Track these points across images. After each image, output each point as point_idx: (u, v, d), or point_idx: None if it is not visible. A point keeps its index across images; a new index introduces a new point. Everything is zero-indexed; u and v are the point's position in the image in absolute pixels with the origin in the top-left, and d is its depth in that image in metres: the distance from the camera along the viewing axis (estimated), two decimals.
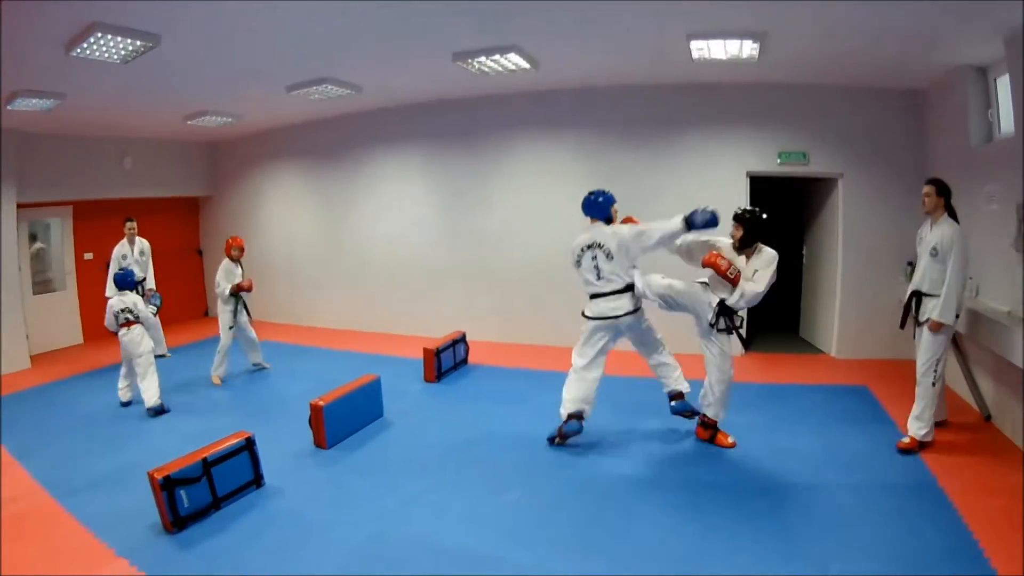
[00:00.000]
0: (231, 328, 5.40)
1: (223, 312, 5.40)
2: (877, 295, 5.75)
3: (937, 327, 3.70)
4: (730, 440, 3.91)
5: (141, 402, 4.73)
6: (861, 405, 4.24)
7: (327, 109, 6.52)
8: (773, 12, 3.79)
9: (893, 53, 4.59)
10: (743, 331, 3.95)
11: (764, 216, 3.73)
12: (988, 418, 4.23)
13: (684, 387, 4.10)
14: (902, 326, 4.09)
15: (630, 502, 3.23)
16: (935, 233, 3.75)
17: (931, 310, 3.71)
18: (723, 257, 3.67)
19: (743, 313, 3.85)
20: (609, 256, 3.72)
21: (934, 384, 3.77)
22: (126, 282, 4.99)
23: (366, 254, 7.39)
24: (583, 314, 3.89)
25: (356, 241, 7.46)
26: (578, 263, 3.84)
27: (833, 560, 2.69)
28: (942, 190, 3.77)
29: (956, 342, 4.73)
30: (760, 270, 3.66)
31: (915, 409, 3.82)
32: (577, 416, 3.83)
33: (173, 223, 8.47)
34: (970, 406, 4.51)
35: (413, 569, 2.62)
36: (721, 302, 3.72)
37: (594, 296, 3.82)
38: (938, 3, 3.48)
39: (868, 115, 5.73)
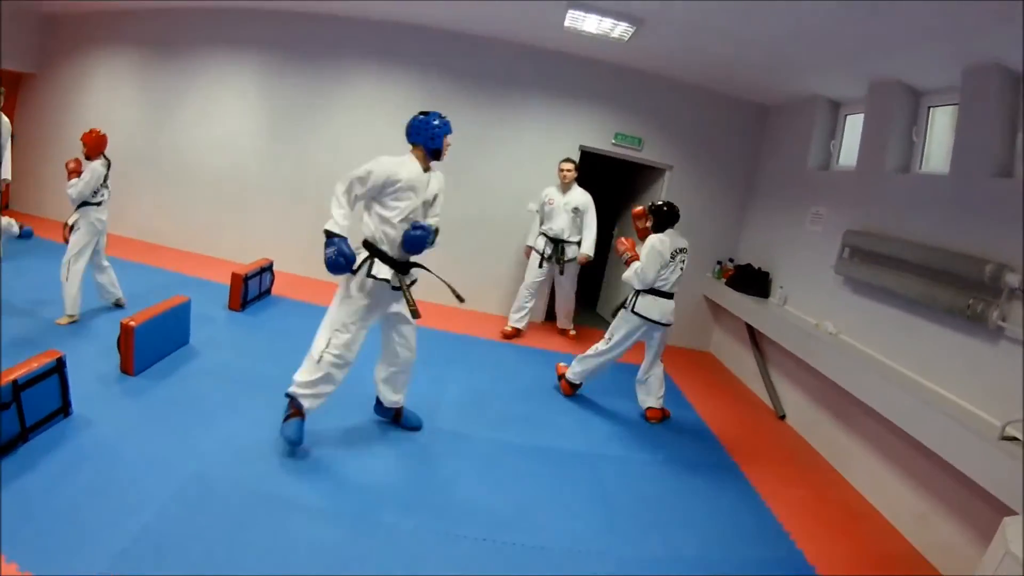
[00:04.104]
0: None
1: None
2: (682, 287, 5.95)
3: (586, 260, 5.37)
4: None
5: None
6: None
7: None
8: (660, 3, 3.85)
9: (757, 69, 4.84)
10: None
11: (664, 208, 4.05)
12: (783, 417, 4.68)
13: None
14: (540, 265, 5.38)
15: (448, 459, 3.21)
16: (571, 197, 5.34)
17: (582, 249, 5.31)
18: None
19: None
20: None
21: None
22: None
23: (184, 162, 6.68)
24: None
25: (177, 145, 6.69)
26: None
27: (654, 532, 2.85)
28: (577, 167, 5.41)
29: (756, 342, 5.23)
30: None
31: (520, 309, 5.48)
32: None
33: None
34: (766, 404, 4.95)
35: (241, 516, 2.50)
36: None
37: None
38: (823, 40, 3.71)
39: (709, 117, 6.00)
